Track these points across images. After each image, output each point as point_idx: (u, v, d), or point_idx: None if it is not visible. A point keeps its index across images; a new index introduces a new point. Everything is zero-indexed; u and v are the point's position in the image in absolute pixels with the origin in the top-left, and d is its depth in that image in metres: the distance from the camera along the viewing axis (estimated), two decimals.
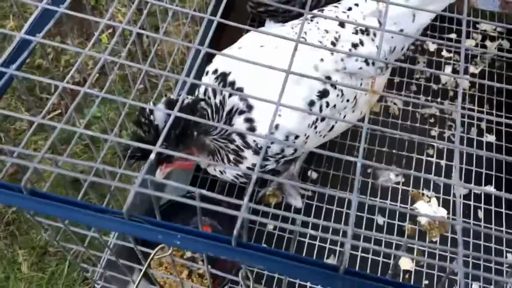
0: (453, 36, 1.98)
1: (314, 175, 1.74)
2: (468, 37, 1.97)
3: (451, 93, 1.91)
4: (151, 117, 1.10)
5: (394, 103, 1.89)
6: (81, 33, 2.35)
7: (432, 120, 1.86)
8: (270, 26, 1.50)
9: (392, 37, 1.36)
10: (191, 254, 1.53)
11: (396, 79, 1.94)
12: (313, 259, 0.58)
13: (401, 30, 1.36)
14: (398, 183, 1.68)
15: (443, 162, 1.73)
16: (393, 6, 1.35)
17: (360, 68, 1.33)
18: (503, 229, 1.56)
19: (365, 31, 1.34)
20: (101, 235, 0.85)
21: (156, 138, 1.09)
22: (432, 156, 1.74)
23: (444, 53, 1.95)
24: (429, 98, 1.88)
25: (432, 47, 1.97)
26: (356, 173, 0.60)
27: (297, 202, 1.62)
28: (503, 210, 1.61)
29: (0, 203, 1.33)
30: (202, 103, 1.21)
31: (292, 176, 1.62)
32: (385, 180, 1.68)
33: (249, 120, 1.23)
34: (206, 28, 1.67)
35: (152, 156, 0.62)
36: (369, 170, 1.73)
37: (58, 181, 1.84)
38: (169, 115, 1.09)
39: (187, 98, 1.20)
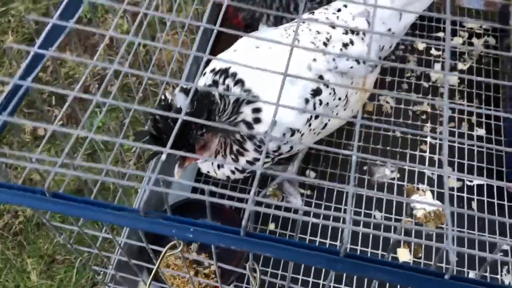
0: (441, 34, 2.04)
1: (312, 174, 1.80)
2: (455, 35, 2.04)
3: (441, 90, 1.97)
4: (173, 101, 1.15)
5: (387, 102, 1.95)
6: (78, 46, 2.41)
7: (424, 117, 1.92)
8: (264, 29, 1.56)
9: (380, 37, 1.42)
10: (197, 256, 1.58)
11: (388, 79, 2.01)
12: (315, 245, 0.64)
13: (389, 29, 1.42)
14: (393, 178, 1.74)
15: (436, 157, 1.79)
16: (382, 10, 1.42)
17: (351, 67, 1.39)
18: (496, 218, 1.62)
19: (355, 31, 1.40)
20: (114, 235, 0.90)
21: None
22: (425, 152, 1.80)
23: (433, 51, 2.02)
24: (421, 95, 1.95)
25: (421, 46, 2.03)
26: (351, 167, 0.65)
27: (297, 201, 1.67)
28: (495, 200, 1.67)
29: (25, 206, 1.38)
30: (213, 91, 1.25)
31: (290, 177, 1.67)
32: (380, 176, 1.74)
33: (256, 110, 1.28)
34: (202, 36, 1.73)
35: (167, 149, 0.68)
36: (365, 168, 1.79)
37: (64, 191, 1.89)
38: (191, 99, 1.14)
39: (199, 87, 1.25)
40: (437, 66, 1.97)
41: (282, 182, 1.69)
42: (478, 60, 1.99)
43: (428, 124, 1.88)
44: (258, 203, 0.64)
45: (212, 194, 0.65)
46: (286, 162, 1.70)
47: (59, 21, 0.84)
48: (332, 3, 1.49)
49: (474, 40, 2.03)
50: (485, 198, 1.69)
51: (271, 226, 1.70)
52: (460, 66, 1.98)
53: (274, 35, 1.43)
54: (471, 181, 1.72)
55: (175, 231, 0.66)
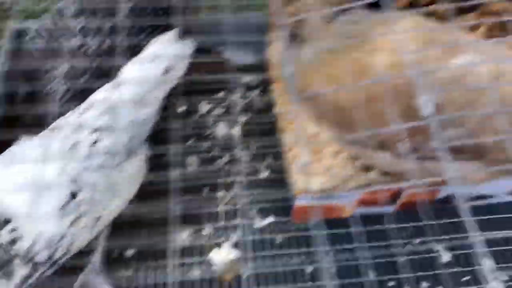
0: (221, 94, 2.26)
1: (129, 252, 1.87)
2: (233, 91, 2.26)
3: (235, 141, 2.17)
4: None
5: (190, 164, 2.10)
6: None
7: (226, 168, 2.09)
8: (23, 142, 1.60)
9: (128, 127, 1.56)
10: None
11: (190, 142, 2.17)
12: None
13: (132, 120, 1.57)
14: (192, 239, 1.87)
15: (230, 207, 1.96)
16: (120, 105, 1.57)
17: (105, 160, 1.51)
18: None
19: (100, 129, 1.53)
20: None
21: None
22: (220, 204, 1.97)
23: (216, 111, 2.22)
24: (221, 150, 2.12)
25: (205, 108, 2.23)
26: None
27: None
28: (285, 235, 1.88)
29: None
30: None
31: (94, 268, 1.72)
32: (182, 240, 1.86)
33: (13, 230, 1.33)
34: None
35: None
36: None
37: None
38: None
39: None
40: (222, 124, 2.18)
41: (86, 279, 1.74)
42: (256, 110, 2.22)
43: (224, 177, 2.05)
44: None
45: None
46: (86, 256, 1.74)
47: None
48: (79, 106, 1.61)
49: (249, 93, 2.27)
50: (277, 235, 1.88)
51: None
52: (243, 118, 2.20)
53: (28, 149, 1.50)
54: (261, 222, 1.91)
55: None
